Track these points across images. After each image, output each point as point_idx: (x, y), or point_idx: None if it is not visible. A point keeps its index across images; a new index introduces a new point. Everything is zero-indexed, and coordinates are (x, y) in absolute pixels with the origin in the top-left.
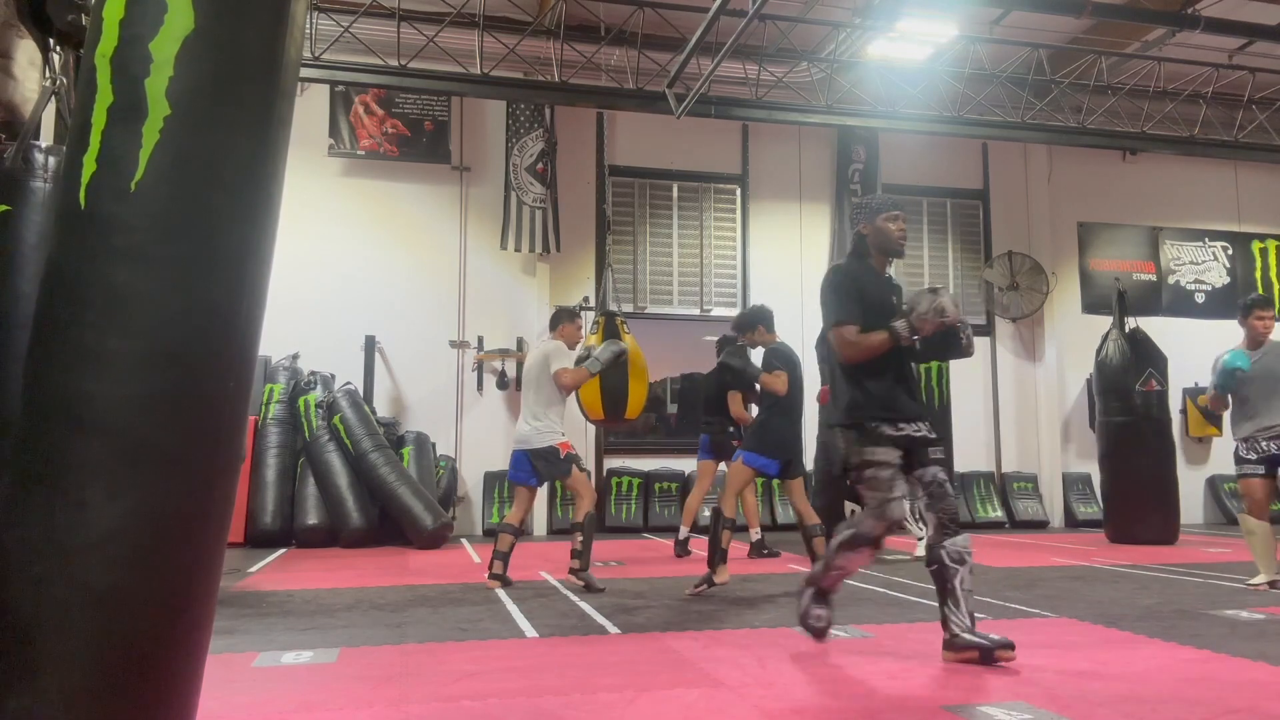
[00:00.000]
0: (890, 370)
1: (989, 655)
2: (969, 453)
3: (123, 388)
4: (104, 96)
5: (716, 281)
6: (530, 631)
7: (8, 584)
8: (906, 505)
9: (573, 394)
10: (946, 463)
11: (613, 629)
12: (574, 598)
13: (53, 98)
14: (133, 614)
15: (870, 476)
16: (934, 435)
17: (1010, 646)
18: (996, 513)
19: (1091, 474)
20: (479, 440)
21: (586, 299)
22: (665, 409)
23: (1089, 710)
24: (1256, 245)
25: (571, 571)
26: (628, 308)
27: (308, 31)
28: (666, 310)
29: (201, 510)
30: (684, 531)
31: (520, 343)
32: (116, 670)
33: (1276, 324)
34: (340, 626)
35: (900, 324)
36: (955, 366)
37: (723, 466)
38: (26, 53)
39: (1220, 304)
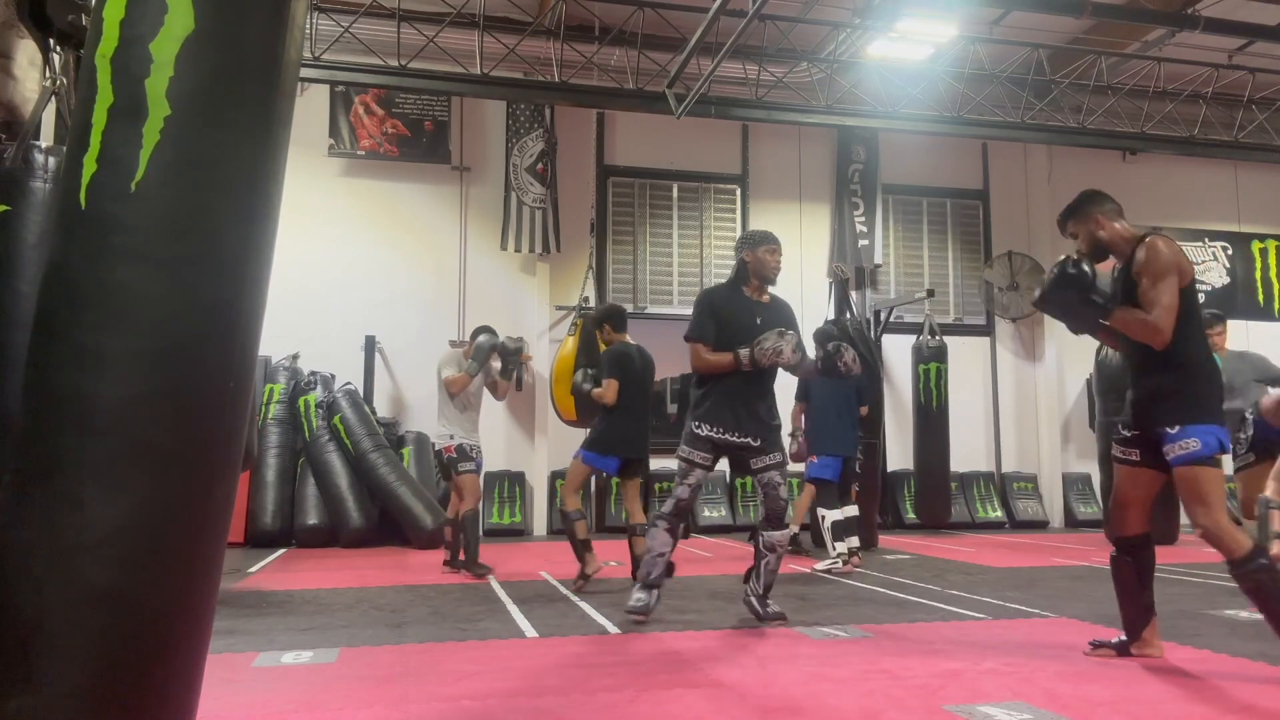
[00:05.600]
0: (728, 388)
1: (763, 620)
2: (969, 453)
3: (123, 387)
4: (104, 97)
5: (717, 282)
6: (530, 631)
7: (8, 584)
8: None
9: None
10: (783, 465)
11: (613, 629)
12: (574, 598)
13: (53, 98)
14: (133, 614)
15: (680, 466)
16: (759, 444)
17: (782, 618)
18: (996, 513)
19: (1091, 474)
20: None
21: (586, 299)
22: (665, 409)
23: (1089, 710)
24: (1256, 245)
25: (446, 563)
26: (628, 308)
27: (308, 31)
28: (666, 310)
29: (201, 510)
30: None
31: (521, 344)
32: (116, 670)
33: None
34: (340, 626)
35: (744, 352)
36: (955, 367)
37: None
38: (26, 53)
39: (1220, 304)
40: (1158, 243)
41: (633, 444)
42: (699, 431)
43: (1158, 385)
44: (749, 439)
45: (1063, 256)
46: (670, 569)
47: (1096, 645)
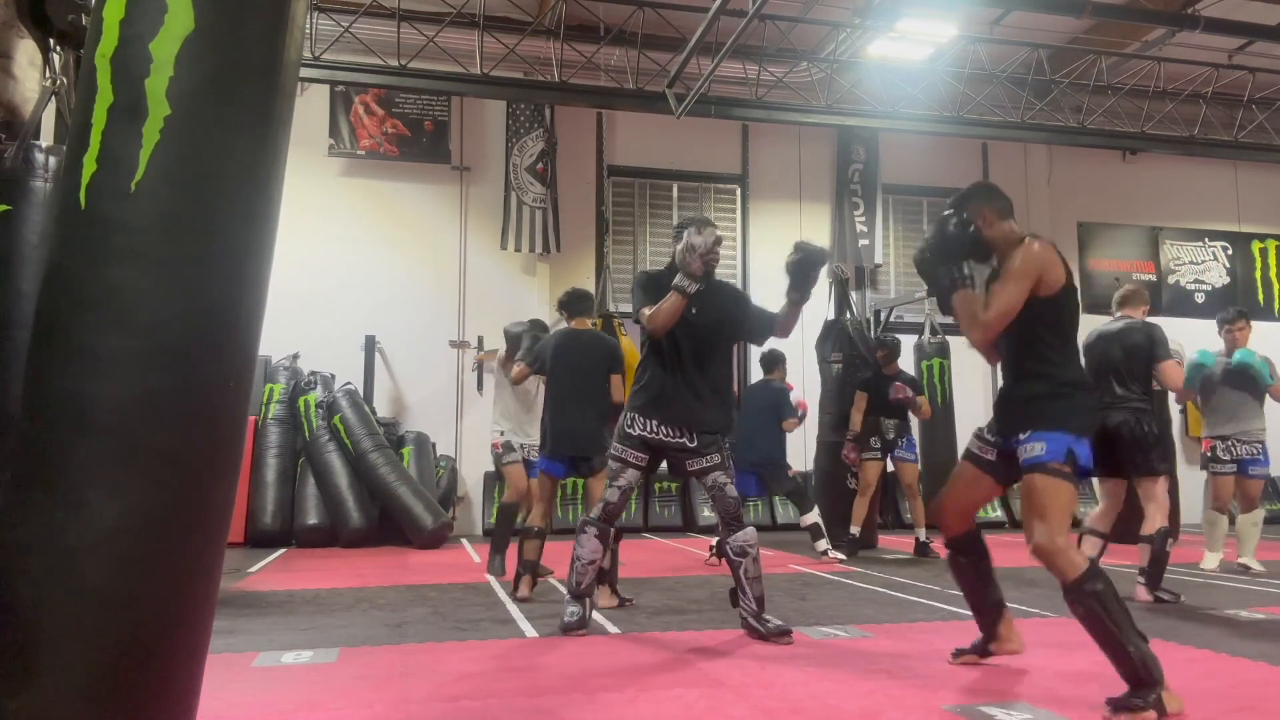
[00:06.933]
0: (667, 383)
1: (766, 639)
2: None
3: (123, 388)
4: (104, 96)
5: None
6: (530, 631)
7: (8, 584)
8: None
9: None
10: (726, 466)
11: (613, 629)
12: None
13: (53, 98)
14: (133, 614)
15: (611, 467)
16: (693, 445)
17: (787, 633)
18: (996, 513)
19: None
20: (479, 440)
21: None
22: None
23: (1089, 710)
24: (1256, 245)
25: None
26: (627, 307)
27: (308, 31)
28: None
29: (201, 510)
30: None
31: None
32: (116, 670)
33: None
34: (340, 626)
35: (678, 281)
36: (957, 367)
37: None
38: (26, 53)
39: (1220, 304)
40: (1032, 245)
41: (572, 440)
42: (631, 430)
43: (1014, 392)
44: (684, 439)
45: (947, 211)
46: (601, 574)
47: (958, 653)
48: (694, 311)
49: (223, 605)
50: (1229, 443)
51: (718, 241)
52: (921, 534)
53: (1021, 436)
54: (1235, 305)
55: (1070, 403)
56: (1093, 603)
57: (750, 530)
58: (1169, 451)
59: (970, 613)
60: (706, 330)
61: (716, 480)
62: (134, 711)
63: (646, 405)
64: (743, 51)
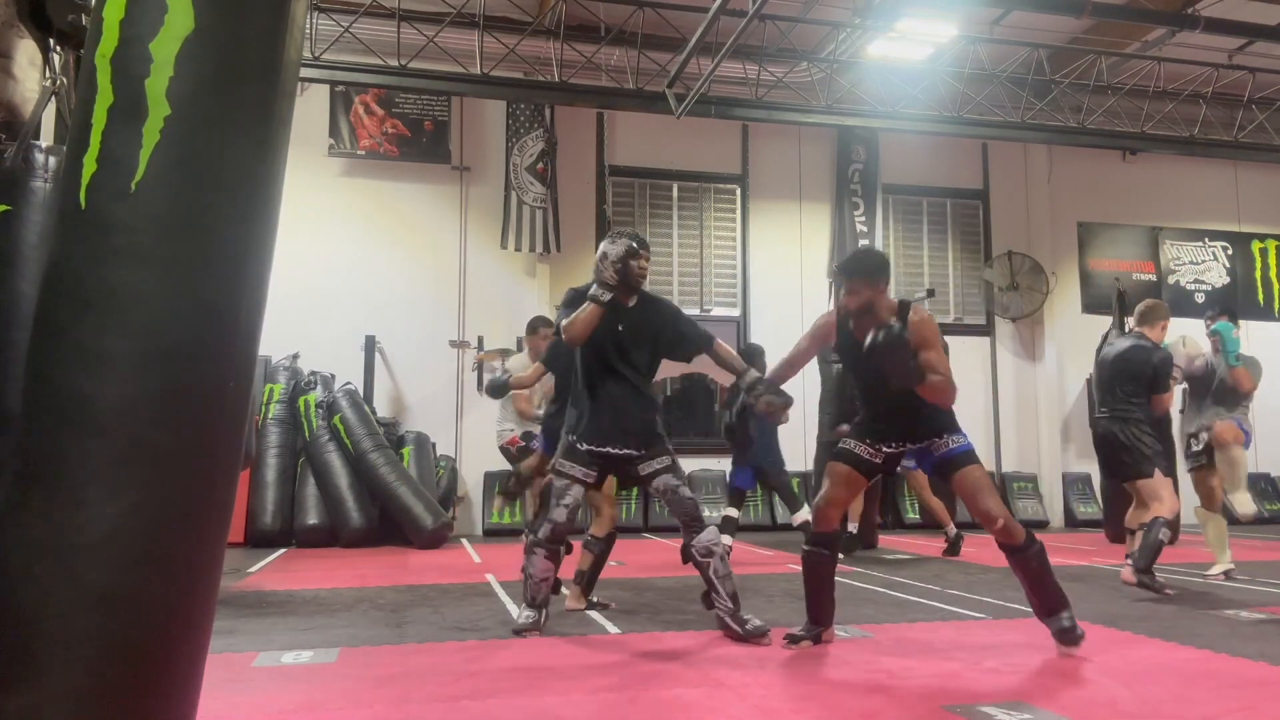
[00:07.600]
0: (606, 398)
1: (743, 640)
2: None
3: (122, 387)
4: (104, 96)
5: (716, 281)
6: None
7: (8, 583)
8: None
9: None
10: (676, 468)
11: (613, 629)
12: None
13: (53, 98)
14: (133, 614)
15: (556, 486)
16: (642, 452)
17: (764, 634)
18: None
19: (1091, 474)
20: (479, 440)
21: None
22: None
23: (1089, 710)
24: (1256, 245)
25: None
26: None
27: (308, 31)
28: None
29: (201, 510)
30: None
31: (520, 343)
32: (116, 670)
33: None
34: (340, 626)
35: (593, 290)
36: (955, 367)
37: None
38: (26, 53)
39: (1220, 304)
40: (924, 313)
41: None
42: (579, 446)
43: (916, 411)
44: (630, 449)
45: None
46: (558, 585)
47: (794, 639)
48: (621, 329)
49: (223, 605)
50: (1198, 436)
51: (631, 252)
52: (951, 530)
53: (939, 439)
54: (1222, 305)
55: (953, 414)
56: (1037, 557)
57: (712, 529)
58: (1162, 453)
59: (819, 605)
60: (633, 346)
61: (668, 484)
62: (134, 711)
63: (591, 425)
64: (743, 51)
